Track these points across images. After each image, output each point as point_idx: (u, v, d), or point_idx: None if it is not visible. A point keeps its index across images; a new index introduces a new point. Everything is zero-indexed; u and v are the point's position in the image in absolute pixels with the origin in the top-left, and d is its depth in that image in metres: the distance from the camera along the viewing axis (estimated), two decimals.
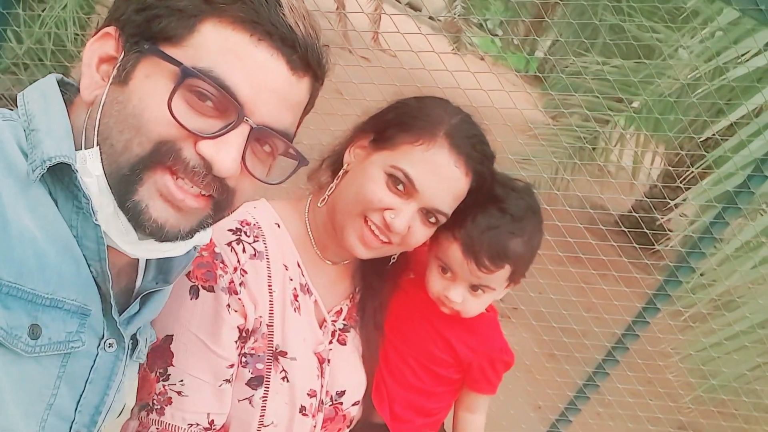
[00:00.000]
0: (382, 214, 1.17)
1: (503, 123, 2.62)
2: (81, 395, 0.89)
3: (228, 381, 1.15)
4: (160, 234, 0.83)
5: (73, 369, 0.86)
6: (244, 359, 1.18)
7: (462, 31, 8.95)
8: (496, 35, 11.62)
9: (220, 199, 0.87)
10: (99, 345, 0.89)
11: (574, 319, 3.18)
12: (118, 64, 0.82)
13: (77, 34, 3.06)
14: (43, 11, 3.01)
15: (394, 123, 1.21)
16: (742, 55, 2.97)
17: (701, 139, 3.60)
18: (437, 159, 1.16)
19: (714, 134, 3.04)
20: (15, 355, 0.76)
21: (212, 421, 1.15)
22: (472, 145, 1.20)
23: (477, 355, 1.37)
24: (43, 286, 0.77)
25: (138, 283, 1.00)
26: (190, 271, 1.12)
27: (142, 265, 1.00)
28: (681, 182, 3.14)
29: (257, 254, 1.18)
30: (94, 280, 0.85)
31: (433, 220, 1.20)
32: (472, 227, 1.23)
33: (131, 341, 0.96)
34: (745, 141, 2.71)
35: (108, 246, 0.84)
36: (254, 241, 1.19)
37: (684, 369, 3.11)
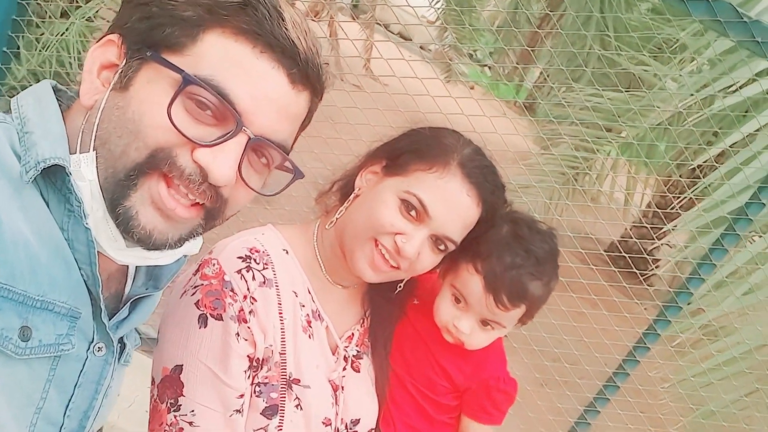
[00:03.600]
0: (393, 238, 1.17)
1: (496, 149, 2.64)
2: (70, 400, 0.88)
3: (238, 411, 1.13)
4: (148, 241, 0.83)
5: (63, 372, 0.85)
6: (257, 389, 1.16)
7: (452, 60, 9.09)
8: (485, 65, 11.82)
9: (213, 208, 0.86)
10: (88, 349, 0.89)
11: (572, 344, 3.17)
12: (119, 71, 0.82)
13: (79, 58, 3.07)
14: (41, 35, 3.02)
15: (407, 150, 1.22)
16: (737, 84, 3.05)
17: (693, 166, 3.67)
18: (450, 187, 1.17)
19: (709, 159, 3.10)
20: (5, 357, 0.76)
21: None
22: (483, 175, 1.21)
23: (472, 382, 1.36)
24: (35, 288, 0.77)
25: (128, 289, 0.99)
26: (198, 300, 1.11)
27: (132, 270, 1.00)
28: (676, 207, 3.18)
29: (266, 282, 1.17)
30: (85, 284, 0.85)
31: (442, 247, 1.20)
32: (496, 263, 1.24)
33: (119, 345, 0.96)
34: (740, 166, 2.76)
35: (98, 251, 0.84)
36: (263, 269, 1.18)
37: (681, 393, 3.10)
